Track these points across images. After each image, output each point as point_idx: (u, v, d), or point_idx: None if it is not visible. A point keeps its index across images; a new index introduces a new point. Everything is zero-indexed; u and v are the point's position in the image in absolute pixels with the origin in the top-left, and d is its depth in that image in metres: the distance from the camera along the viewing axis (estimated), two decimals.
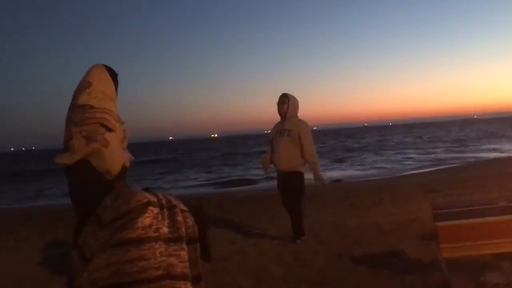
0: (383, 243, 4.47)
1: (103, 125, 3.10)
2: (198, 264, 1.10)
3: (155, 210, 0.93)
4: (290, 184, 4.93)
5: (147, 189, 1.09)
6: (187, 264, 1.00)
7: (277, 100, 5.11)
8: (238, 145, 67.57)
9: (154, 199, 0.94)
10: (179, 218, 1.01)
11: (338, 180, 14.60)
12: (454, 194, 3.77)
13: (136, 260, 0.87)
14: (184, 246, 1.01)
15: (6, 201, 16.61)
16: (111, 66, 3.40)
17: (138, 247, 0.87)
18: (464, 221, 2.94)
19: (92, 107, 3.15)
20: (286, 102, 5.04)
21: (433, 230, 3.21)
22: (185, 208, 1.03)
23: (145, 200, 0.93)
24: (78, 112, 3.14)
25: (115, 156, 3.14)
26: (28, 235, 6.45)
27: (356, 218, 6.04)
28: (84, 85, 3.23)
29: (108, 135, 3.09)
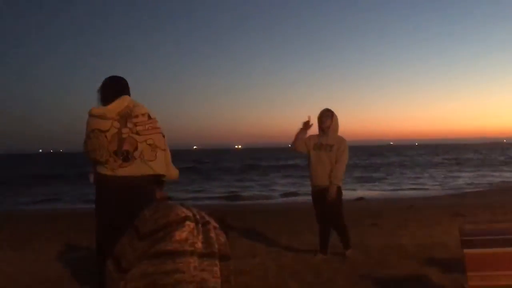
0: (407, 267, 4.38)
1: (162, 134, 3.36)
2: (230, 280, 1.10)
3: (192, 225, 0.94)
4: (330, 200, 4.93)
5: (182, 204, 1.10)
6: (219, 280, 1.00)
7: (316, 114, 5.12)
8: (262, 157, 67.56)
9: (190, 214, 0.95)
10: (212, 234, 1.01)
11: (360, 198, 14.44)
12: (483, 220, 3.67)
13: (171, 272, 0.87)
14: (217, 262, 1.01)
15: (22, 202, 16.96)
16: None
17: (174, 260, 0.88)
18: (494, 250, 2.86)
19: (149, 116, 3.30)
20: (330, 117, 5.06)
21: (459, 256, 3.14)
22: (217, 225, 1.03)
23: (183, 215, 0.94)
24: (139, 122, 3.23)
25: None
26: (44, 237, 6.59)
27: (380, 238, 5.95)
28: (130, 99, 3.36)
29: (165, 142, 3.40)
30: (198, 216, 0.98)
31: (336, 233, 5.06)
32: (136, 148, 3.19)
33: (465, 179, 23.56)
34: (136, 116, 3.26)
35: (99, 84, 3.38)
